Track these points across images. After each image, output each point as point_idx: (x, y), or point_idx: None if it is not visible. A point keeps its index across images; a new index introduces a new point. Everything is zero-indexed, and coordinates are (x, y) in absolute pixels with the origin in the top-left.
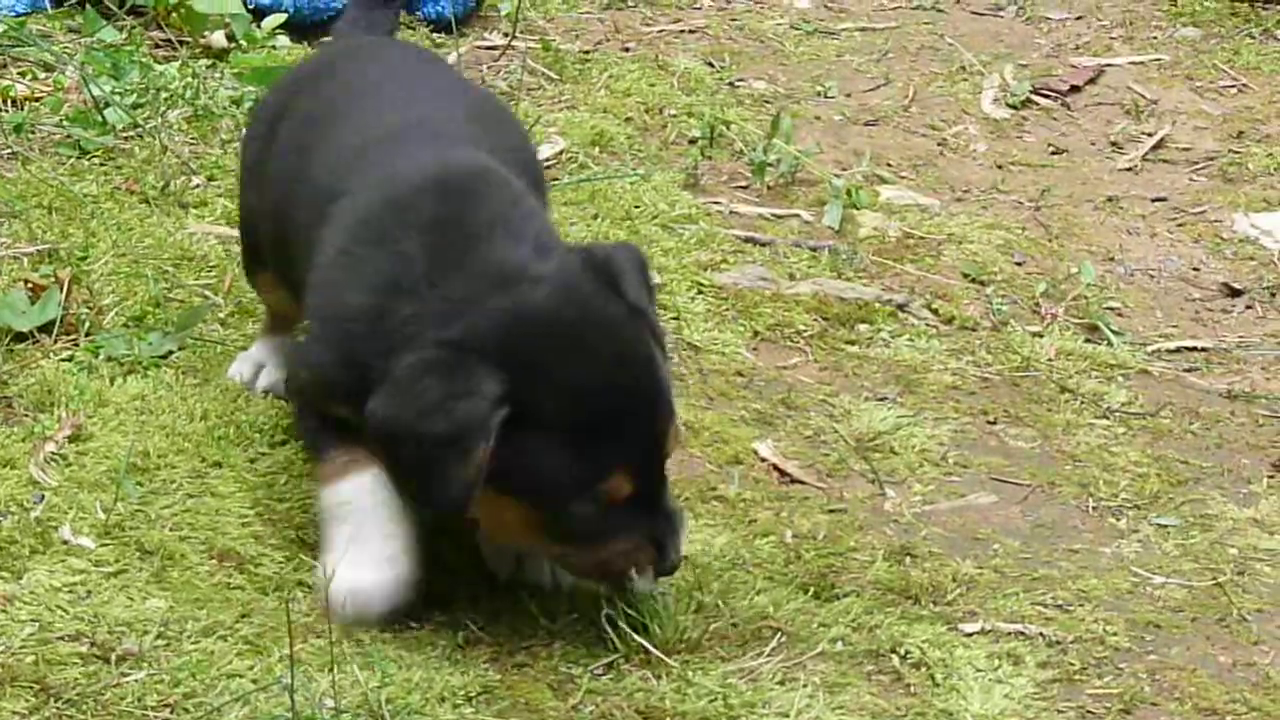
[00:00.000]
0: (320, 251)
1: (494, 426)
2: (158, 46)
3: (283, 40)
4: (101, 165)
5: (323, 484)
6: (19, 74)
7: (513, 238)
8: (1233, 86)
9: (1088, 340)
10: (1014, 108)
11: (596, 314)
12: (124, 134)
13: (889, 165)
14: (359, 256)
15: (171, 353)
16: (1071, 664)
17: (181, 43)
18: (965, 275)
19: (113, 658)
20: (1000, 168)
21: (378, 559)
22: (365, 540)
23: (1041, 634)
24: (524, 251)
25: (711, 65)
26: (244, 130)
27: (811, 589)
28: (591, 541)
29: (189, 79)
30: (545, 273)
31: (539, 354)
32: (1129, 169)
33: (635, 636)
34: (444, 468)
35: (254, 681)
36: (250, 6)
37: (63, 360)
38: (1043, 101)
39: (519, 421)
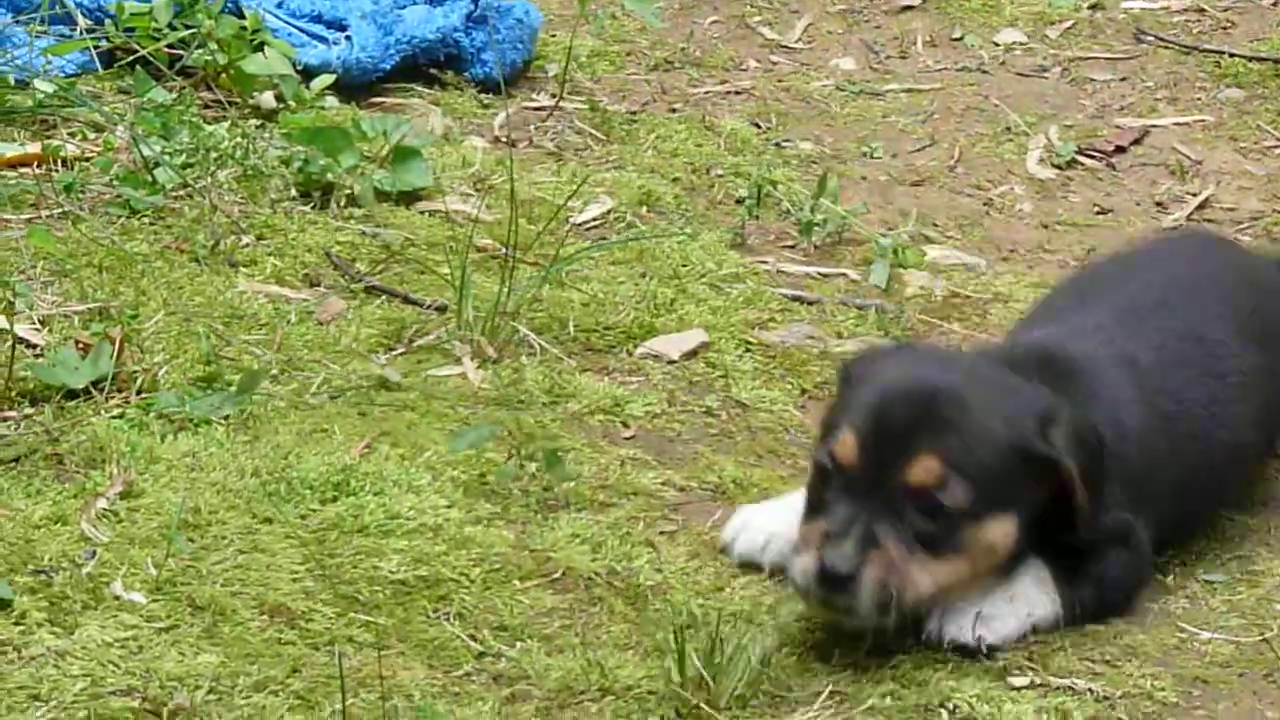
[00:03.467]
0: None
1: None
2: (207, 107)
3: (331, 101)
4: (151, 224)
5: None
6: (69, 134)
7: None
8: (1277, 147)
9: None
10: (1059, 168)
11: None
12: (174, 193)
13: (935, 225)
14: None
15: (229, 416)
16: (1120, 719)
17: (231, 103)
18: None
19: (164, 713)
20: (1046, 227)
21: None
22: None
23: (1090, 689)
24: None
25: (758, 126)
26: None
27: (860, 644)
28: None
29: (238, 139)
30: None
31: None
32: (1174, 229)
33: (686, 694)
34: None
35: None
36: (299, 67)
37: (114, 417)
38: (1088, 162)
39: None
